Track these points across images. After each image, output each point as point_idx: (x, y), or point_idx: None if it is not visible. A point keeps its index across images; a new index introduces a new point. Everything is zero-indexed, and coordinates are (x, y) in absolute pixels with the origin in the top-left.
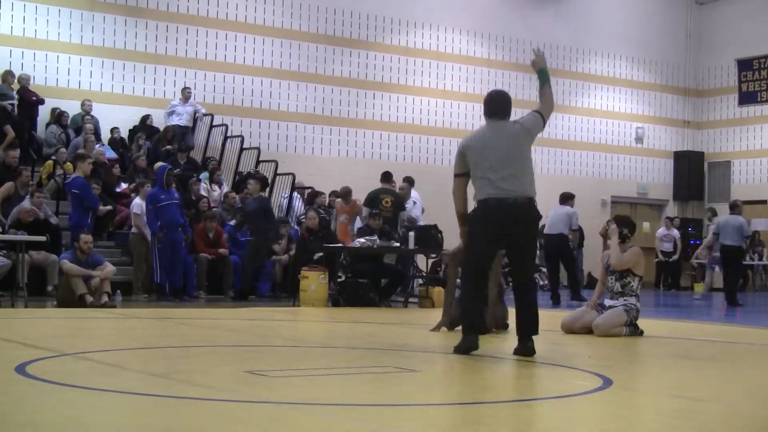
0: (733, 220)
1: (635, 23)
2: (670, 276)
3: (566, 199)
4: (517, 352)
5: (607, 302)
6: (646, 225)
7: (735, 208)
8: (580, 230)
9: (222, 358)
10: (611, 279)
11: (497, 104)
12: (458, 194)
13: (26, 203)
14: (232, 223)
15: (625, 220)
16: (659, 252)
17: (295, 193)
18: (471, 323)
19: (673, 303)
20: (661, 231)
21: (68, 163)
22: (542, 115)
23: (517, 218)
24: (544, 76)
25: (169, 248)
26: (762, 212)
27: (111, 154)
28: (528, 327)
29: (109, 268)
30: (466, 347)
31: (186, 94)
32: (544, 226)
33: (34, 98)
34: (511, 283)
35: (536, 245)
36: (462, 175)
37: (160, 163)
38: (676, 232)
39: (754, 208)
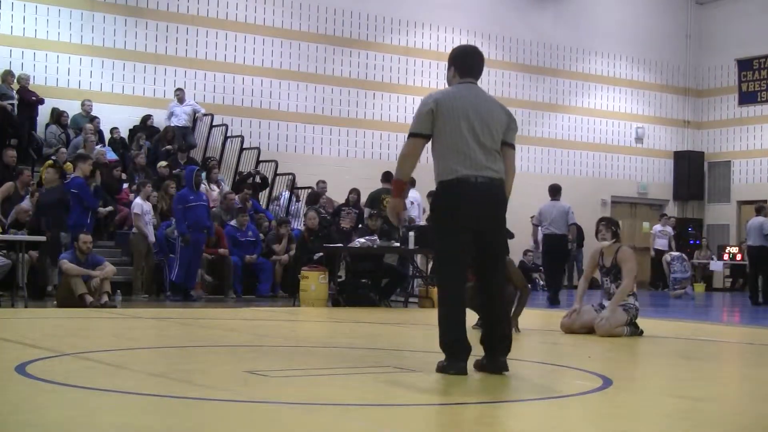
0: (756, 221)
1: (635, 23)
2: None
3: (558, 192)
4: (483, 368)
5: (606, 303)
6: (646, 225)
7: (760, 210)
8: (579, 229)
9: (222, 358)
10: (606, 281)
11: (477, 63)
12: (413, 158)
13: (26, 203)
14: (233, 223)
15: (611, 221)
16: (653, 249)
17: (286, 192)
18: (455, 344)
19: (662, 303)
20: (657, 228)
21: (68, 163)
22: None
23: (495, 204)
24: None
25: (191, 249)
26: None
27: (112, 155)
28: (500, 341)
29: (109, 268)
30: (453, 372)
31: (179, 95)
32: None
33: (34, 98)
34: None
35: (506, 237)
36: (423, 136)
37: (162, 163)
38: (670, 229)
39: (754, 209)
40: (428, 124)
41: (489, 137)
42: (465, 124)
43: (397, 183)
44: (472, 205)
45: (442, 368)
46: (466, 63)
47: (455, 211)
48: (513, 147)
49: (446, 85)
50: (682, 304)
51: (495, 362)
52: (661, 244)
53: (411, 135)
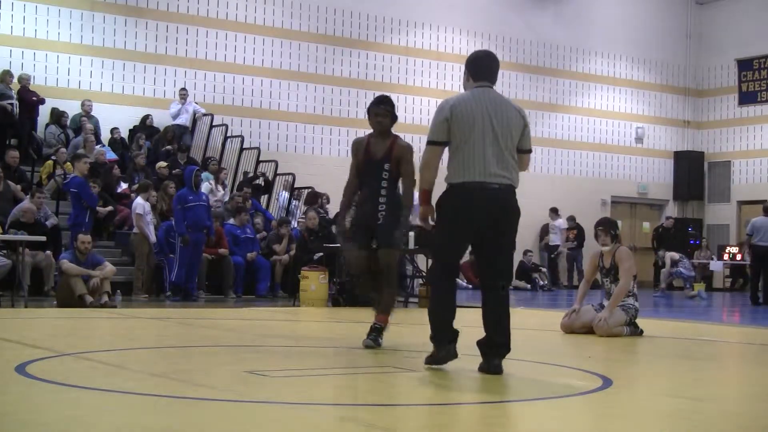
0: (765, 221)
1: (635, 23)
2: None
3: None
4: (481, 369)
5: (606, 303)
6: (646, 225)
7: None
8: (580, 229)
9: (222, 358)
10: (606, 281)
11: (488, 65)
12: (433, 166)
13: (27, 204)
14: (232, 221)
15: (609, 224)
16: (546, 244)
17: (285, 192)
18: (442, 333)
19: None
20: (550, 223)
21: (68, 163)
22: (525, 159)
23: (501, 211)
24: None
25: (191, 249)
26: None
27: (111, 155)
28: (496, 343)
29: (108, 268)
30: (442, 358)
31: (182, 95)
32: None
33: (34, 98)
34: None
35: (514, 245)
36: (441, 143)
37: (161, 163)
38: (562, 222)
39: (754, 208)
40: (444, 132)
41: (505, 144)
42: (480, 130)
43: (423, 192)
44: (476, 210)
45: (430, 356)
46: (476, 65)
47: (458, 213)
48: (529, 151)
49: (459, 89)
50: (680, 304)
51: (489, 364)
52: (553, 239)
53: (428, 143)
